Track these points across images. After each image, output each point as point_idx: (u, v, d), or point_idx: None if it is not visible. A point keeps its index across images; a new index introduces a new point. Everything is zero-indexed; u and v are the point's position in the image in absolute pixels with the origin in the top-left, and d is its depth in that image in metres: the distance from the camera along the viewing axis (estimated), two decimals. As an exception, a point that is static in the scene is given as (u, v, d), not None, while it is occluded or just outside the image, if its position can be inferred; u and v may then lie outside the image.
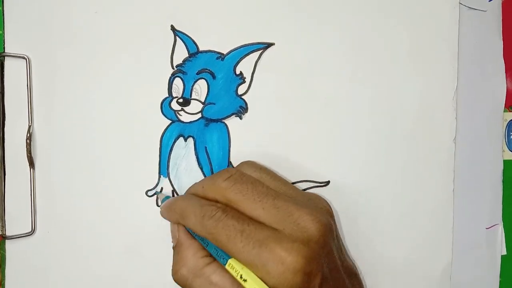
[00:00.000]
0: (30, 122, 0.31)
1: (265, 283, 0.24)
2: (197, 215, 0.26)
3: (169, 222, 0.30)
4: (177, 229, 0.29)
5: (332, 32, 0.33)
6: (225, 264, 0.25)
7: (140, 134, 0.32)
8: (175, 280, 0.28)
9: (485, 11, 0.35)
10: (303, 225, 0.25)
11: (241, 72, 0.32)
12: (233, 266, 0.25)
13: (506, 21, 0.36)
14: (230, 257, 0.25)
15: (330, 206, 0.29)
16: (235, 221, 0.25)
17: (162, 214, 0.30)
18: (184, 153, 0.32)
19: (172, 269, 0.28)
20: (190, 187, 0.30)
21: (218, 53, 0.32)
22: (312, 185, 0.33)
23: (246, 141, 0.32)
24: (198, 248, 0.28)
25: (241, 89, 0.32)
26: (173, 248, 0.29)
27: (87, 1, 0.31)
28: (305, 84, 0.33)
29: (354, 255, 0.33)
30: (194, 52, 0.32)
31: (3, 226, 0.30)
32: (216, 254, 0.26)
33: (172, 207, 0.29)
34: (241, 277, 0.24)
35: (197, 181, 0.30)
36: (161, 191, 0.32)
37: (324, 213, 0.28)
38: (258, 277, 0.24)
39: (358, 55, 0.33)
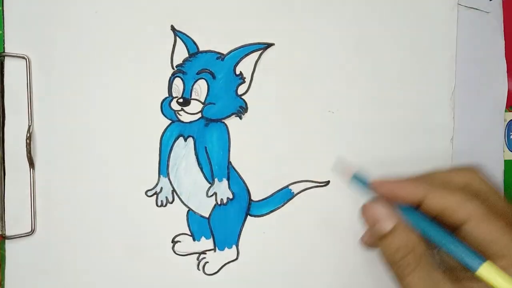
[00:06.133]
0: (30, 122, 0.31)
1: None
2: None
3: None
4: (392, 211, 0.25)
5: (332, 33, 0.33)
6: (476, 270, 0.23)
7: (140, 134, 0.32)
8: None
9: (488, 12, 0.35)
10: None
11: (241, 72, 0.32)
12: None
13: (507, 21, 0.36)
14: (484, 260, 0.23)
15: None
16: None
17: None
18: (184, 153, 0.32)
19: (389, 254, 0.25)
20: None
21: (218, 53, 0.32)
22: (312, 185, 0.33)
23: (246, 141, 0.32)
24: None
25: (241, 89, 0.32)
26: (387, 232, 0.25)
27: (87, 1, 0.31)
28: (305, 84, 0.33)
29: (354, 255, 0.33)
30: (194, 52, 0.32)
31: (3, 226, 0.31)
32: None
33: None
34: None
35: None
36: (161, 191, 0.32)
37: None
38: None
39: (356, 55, 0.33)
